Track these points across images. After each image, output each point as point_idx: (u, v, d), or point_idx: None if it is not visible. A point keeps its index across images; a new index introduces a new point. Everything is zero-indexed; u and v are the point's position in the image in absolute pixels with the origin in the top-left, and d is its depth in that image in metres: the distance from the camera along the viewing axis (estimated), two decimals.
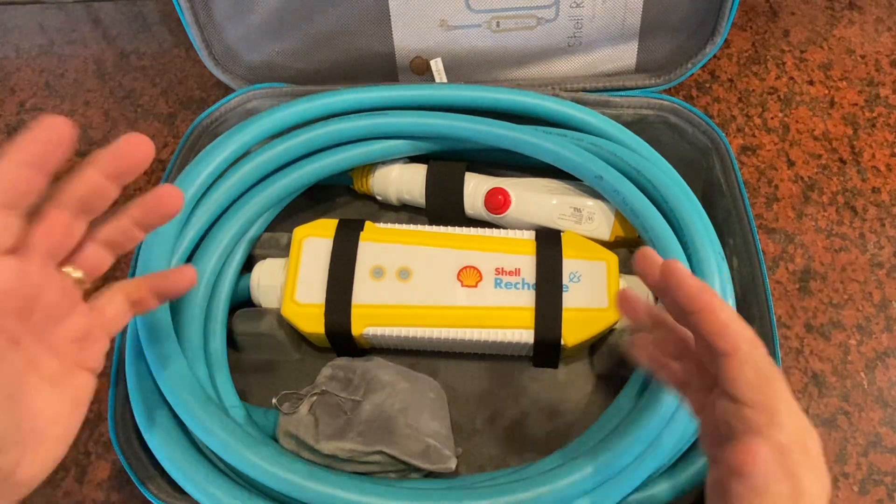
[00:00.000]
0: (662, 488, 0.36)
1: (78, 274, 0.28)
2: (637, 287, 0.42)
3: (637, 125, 0.49)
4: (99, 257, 0.28)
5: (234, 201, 0.44)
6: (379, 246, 0.43)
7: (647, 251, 0.29)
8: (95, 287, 0.30)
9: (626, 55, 0.51)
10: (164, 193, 0.29)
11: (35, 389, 0.25)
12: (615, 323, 0.41)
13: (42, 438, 0.26)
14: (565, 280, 0.41)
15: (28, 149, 0.24)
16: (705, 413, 0.29)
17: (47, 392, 0.26)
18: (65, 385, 0.27)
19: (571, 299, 0.40)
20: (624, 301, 0.32)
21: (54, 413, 0.26)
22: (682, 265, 0.26)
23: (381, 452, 0.36)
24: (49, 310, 0.26)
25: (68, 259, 0.27)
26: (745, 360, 0.25)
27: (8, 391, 0.24)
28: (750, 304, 0.41)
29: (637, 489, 0.36)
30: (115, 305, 0.29)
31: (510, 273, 0.42)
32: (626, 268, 0.45)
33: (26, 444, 0.25)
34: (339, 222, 0.44)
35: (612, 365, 0.42)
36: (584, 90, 0.51)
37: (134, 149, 0.26)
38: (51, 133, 0.24)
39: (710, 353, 0.26)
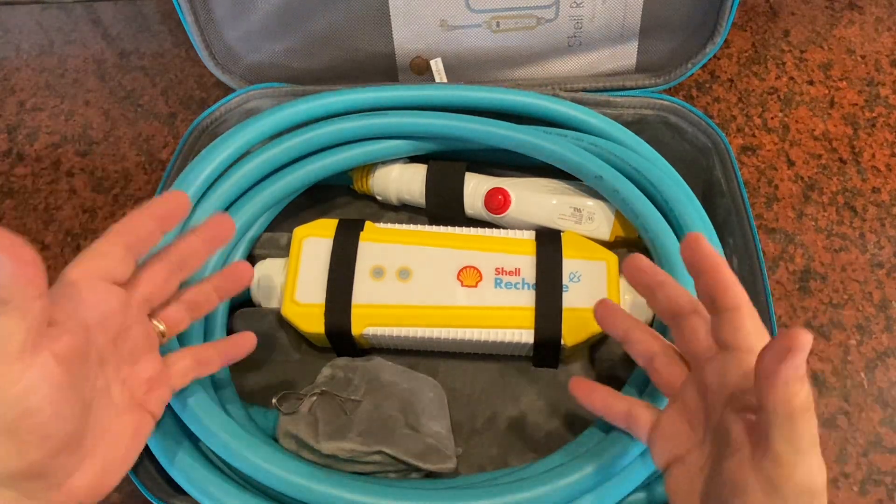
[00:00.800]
0: (662, 488, 0.36)
1: (161, 327, 0.32)
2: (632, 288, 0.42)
3: (637, 125, 0.49)
4: (179, 316, 0.33)
5: (234, 201, 0.44)
6: (379, 246, 0.43)
7: (638, 259, 0.32)
8: None
9: (626, 55, 0.51)
10: (237, 267, 0.36)
11: (105, 410, 0.29)
12: None
13: (100, 455, 0.28)
14: (565, 280, 0.41)
15: (157, 209, 0.30)
16: (679, 400, 0.31)
17: (114, 416, 0.29)
18: (128, 417, 0.30)
19: (571, 299, 0.40)
20: (603, 311, 0.35)
21: (115, 436, 0.29)
22: (702, 235, 0.29)
23: (381, 452, 0.36)
24: (133, 347, 0.30)
25: (158, 314, 0.32)
26: (747, 314, 0.28)
27: (86, 400, 0.27)
28: None
29: (637, 489, 0.36)
30: (182, 363, 0.33)
31: (510, 273, 0.42)
32: None
33: (87, 453, 0.27)
34: (339, 222, 0.44)
35: (612, 365, 0.42)
36: (584, 90, 0.51)
37: (223, 225, 0.33)
38: (176, 201, 0.30)
39: (715, 310, 0.29)
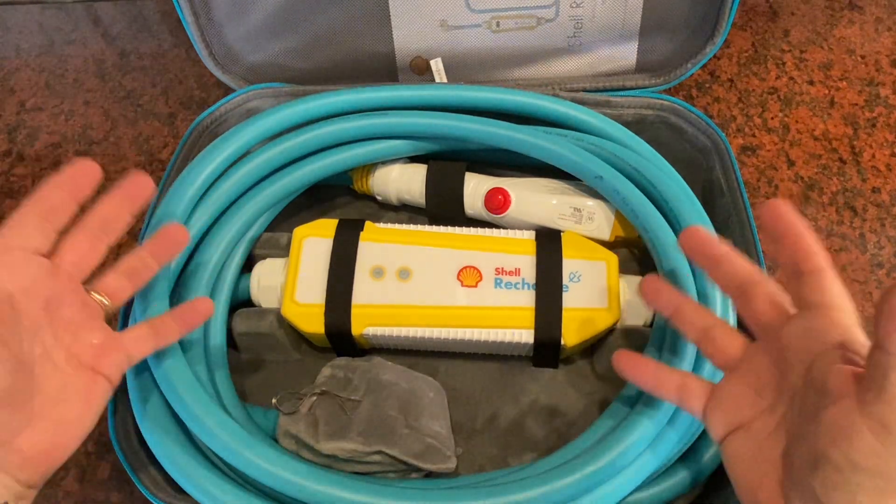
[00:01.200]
0: (663, 488, 0.36)
1: (104, 300, 0.33)
2: (637, 287, 0.42)
3: (637, 125, 0.49)
4: (120, 285, 0.33)
5: (234, 201, 0.44)
6: (379, 246, 0.43)
7: (697, 230, 0.33)
8: None
9: (626, 55, 0.51)
10: (171, 229, 0.36)
11: (50, 371, 0.29)
12: (615, 323, 0.41)
13: (50, 417, 0.29)
14: (565, 280, 0.41)
15: (65, 178, 0.31)
16: (742, 369, 0.31)
17: (60, 378, 0.30)
18: (77, 380, 0.30)
19: (571, 299, 0.40)
20: (651, 287, 0.35)
21: (65, 398, 0.30)
22: (785, 203, 0.29)
23: (381, 452, 0.36)
24: (71, 315, 0.31)
25: (96, 285, 0.33)
26: (832, 276, 0.28)
27: (22, 361, 0.28)
28: None
29: (637, 489, 0.36)
30: (138, 331, 0.34)
31: (510, 273, 0.42)
32: (626, 268, 0.45)
33: (35, 414, 0.28)
34: (339, 222, 0.44)
35: (612, 365, 0.42)
36: (584, 90, 0.51)
37: (139, 183, 0.33)
38: (83, 170, 0.31)
39: (799, 273, 0.29)
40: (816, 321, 0.28)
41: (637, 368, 0.34)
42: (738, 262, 0.32)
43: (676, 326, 0.34)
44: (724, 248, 0.32)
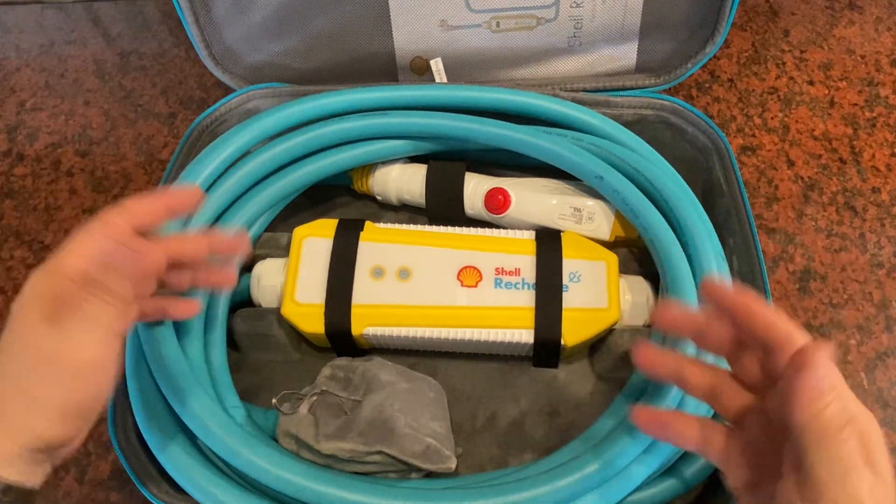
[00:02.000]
0: (662, 488, 0.36)
1: None
2: (637, 287, 0.42)
3: (637, 125, 0.49)
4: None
5: (234, 201, 0.44)
6: (379, 246, 0.43)
7: (672, 307, 0.30)
8: None
9: (626, 55, 0.51)
10: (231, 237, 0.37)
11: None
12: (615, 323, 0.41)
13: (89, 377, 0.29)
14: (565, 280, 0.41)
15: (166, 198, 0.32)
16: (746, 429, 0.28)
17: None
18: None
19: (571, 299, 0.40)
20: (646, 358, 0.31)
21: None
22: (715, 279, 0.27)
23: (381, 452, 0.36)
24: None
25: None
26: (798, 343, 0.25)
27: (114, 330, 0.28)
28: None
29: (637, 489, 0.36)
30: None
31: (510, 273, 0.42)
32: (626, 268, 0.45)
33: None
34: (339, 222, 0.44)
35: (612, 365, 0.42)
36: (584, 90, 0.51)
37: (231, 244, 0.35)
38: (187, 194, 0.32)
39: (767, 350, 0.26)
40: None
41: (660, 428, 0.31)
42: (722, 328, 0.29)
43: (683, 390, 0.32)
44: (703, 317, 0.29)
